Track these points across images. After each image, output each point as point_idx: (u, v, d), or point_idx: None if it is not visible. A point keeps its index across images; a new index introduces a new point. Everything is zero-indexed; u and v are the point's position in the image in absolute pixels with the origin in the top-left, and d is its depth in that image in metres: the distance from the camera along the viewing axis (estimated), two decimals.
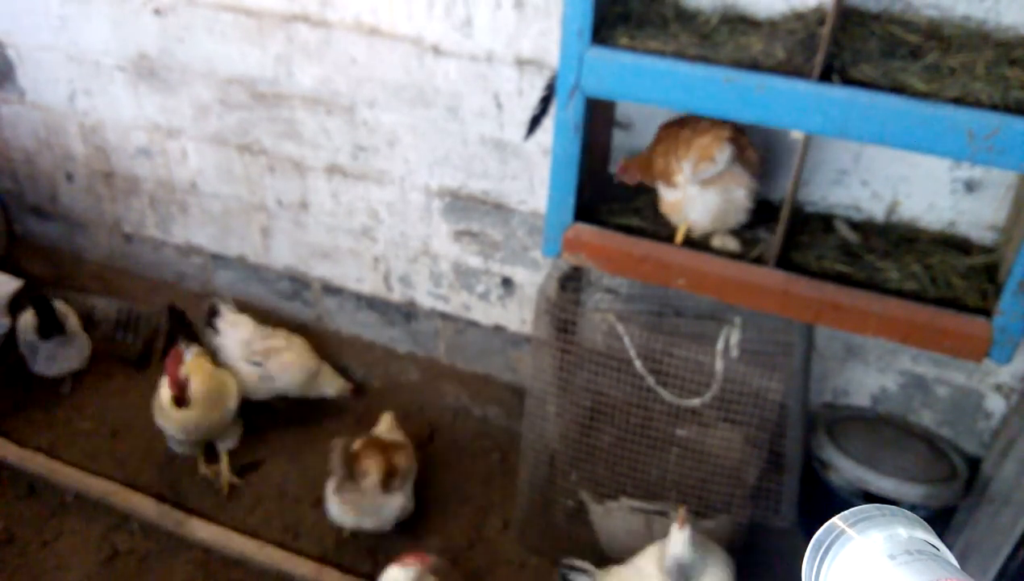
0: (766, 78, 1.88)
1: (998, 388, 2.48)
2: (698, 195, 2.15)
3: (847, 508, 0.60)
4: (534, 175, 2.72)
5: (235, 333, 3.11)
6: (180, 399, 2.68)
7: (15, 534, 2.71)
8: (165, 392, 2.73)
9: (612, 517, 2.53)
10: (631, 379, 2.40)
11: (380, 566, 2.39)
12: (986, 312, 1.97)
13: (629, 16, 2.11)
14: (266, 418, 3.14)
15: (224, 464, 2.93)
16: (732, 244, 2.22)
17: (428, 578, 2.25)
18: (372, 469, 2.60)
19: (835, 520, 0.59)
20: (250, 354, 3.08)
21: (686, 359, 2.32)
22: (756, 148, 2.16)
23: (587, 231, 2.27)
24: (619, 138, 2.53)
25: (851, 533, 0.57)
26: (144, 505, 2.78)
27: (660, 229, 2.29)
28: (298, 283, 3.44)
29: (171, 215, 3.52)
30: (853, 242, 2.26)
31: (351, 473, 2.58)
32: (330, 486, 2.63)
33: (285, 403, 3.15)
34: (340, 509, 2.61)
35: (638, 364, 2.36)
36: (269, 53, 2.88)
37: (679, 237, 2.20)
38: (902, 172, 2.27)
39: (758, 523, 2.44)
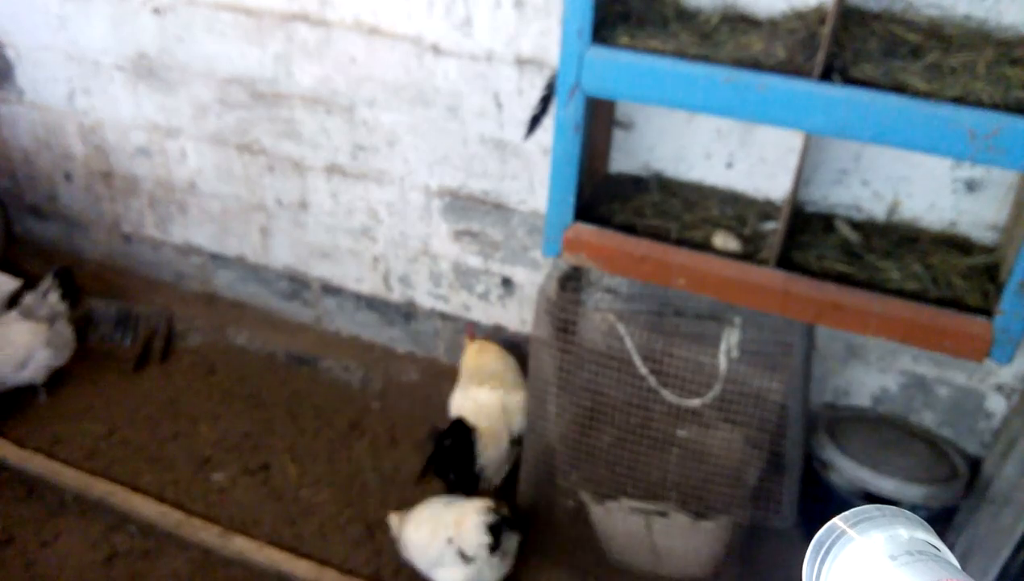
0: (767, 77, 1.88)
1: (999, 388, 2.48)
2: None
3: (848, 508, 0.59)
4: (534, 175, 2.71)
5: None
6: None
7: (14, 534, 2.71)
8: None
9: (612, 517, 2.53)
10: (631, 379, 2.39)
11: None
12: (987, 312, 1.97)
13: (629, 15, 2.10)
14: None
15: None
16: (733, 244, 2.22)
17: None
18: None
19: (836, 520, 0.59)
20: None
21: (686, 359, 2.32)
22: None
23: (587, 231, 2.27)
24: (619, 138, 2.53)
25: (852, 534, 0.57)
26: (144, 505, 2.78)
27: (661, 228, 2.29)
28: (297, 283, 3.44)
29: (170, 215, 3.51)
30: (854, 242, 2.25)
31: None
32: None
33: None
34: None
35: (639, 364, 2.36)
36: (268, 52, 2.88)
37: None
38: (903, 172, 2.27)
39: (758, 524, 2.44)
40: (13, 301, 3.29)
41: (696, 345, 2.32)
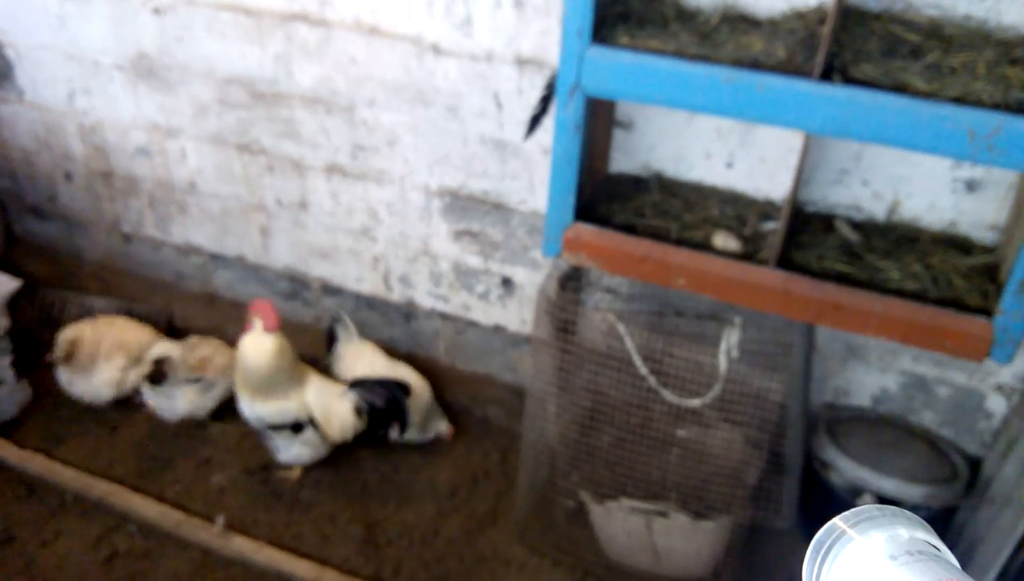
0: (767, 77, 1.88)
1: (999, 388, 2.48)
2: None
3: (848, 509, 0.59)
4: (534, 175, 2.71)
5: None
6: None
7: (15, 534, 2.71)
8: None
9: (612, 517, 2.53)
10: (631, 379, 2.39)
11: None
12: (987, 312, 1.97)
13: (629, 15, 2.10)
14: None
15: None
16: (733, 244, 2.22)
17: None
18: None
19: (836, 520, 0.59)
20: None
21: (687, 359, 2.32)
22: None
23: (587, 231, 2.27)
24: (619, 138, 2.53)
25: (852, 534, 0.57)
26: (144, 505, 2.78)
27: (661, 228, 2.29)
28: (297, 283, 3.44)
29: (170, 215, 3.51)
30: (854, 242, 2.25)
31: None
32: None
33: None
34: None
35: (639, 364, 2.36)
36: (268, 52, 2.88)
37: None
38: (903, 172, 2.27)
39: (758, 524, 2.44)
40: (13, 302, 3.29)
41: (696, 345, 2.32)
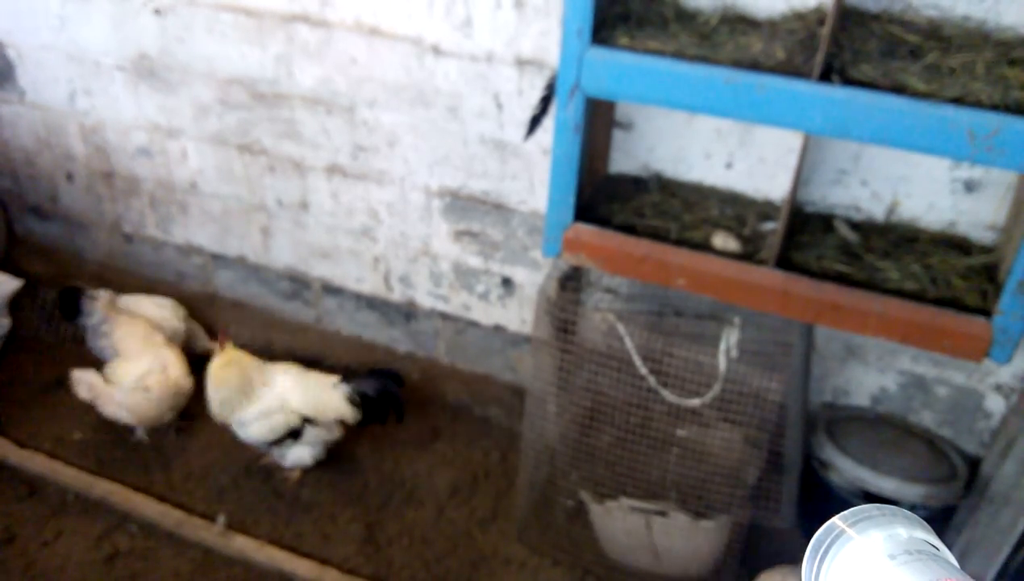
0: (766, 78, 1.88)
1: (998, 388, 2.48)
2: None
3: (847, 508, 0.60)
4: (534, 175, 2.72)
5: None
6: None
7: (15, 534, 2.71)
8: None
9: (612, 517, 2.53)
10: (631, 379, 2.40)
11: None
12: (986, 312, 1.97)
13: (629, 16, 2.11)
14: None
15: None
16: (732, 244, 2.23)
17: None
18: None
19: (835, 520, 0.59)
20: None
21: (686, 359, 2.32)
22: None
23: (587, 231, 2.27)
24: (619, 138, 2.53)
25: (851, 533, 0.57)
26: (145, 505, 2.78)
27: (660, 229, 2.30)
28: (298, 283, 3.45)
29: (171, 215, 3.52)
30: (853, 242, 2.26)
31: None
32: None
33: None
34: None
35: (639, 364, 2.36)
36: (269, 53, 2.88)
37: None
38: (902, 172, 2.27)
39: (758, 523, 2.44)
40: (14, 302, 3.30)
41: (696, 345, 2.33)
